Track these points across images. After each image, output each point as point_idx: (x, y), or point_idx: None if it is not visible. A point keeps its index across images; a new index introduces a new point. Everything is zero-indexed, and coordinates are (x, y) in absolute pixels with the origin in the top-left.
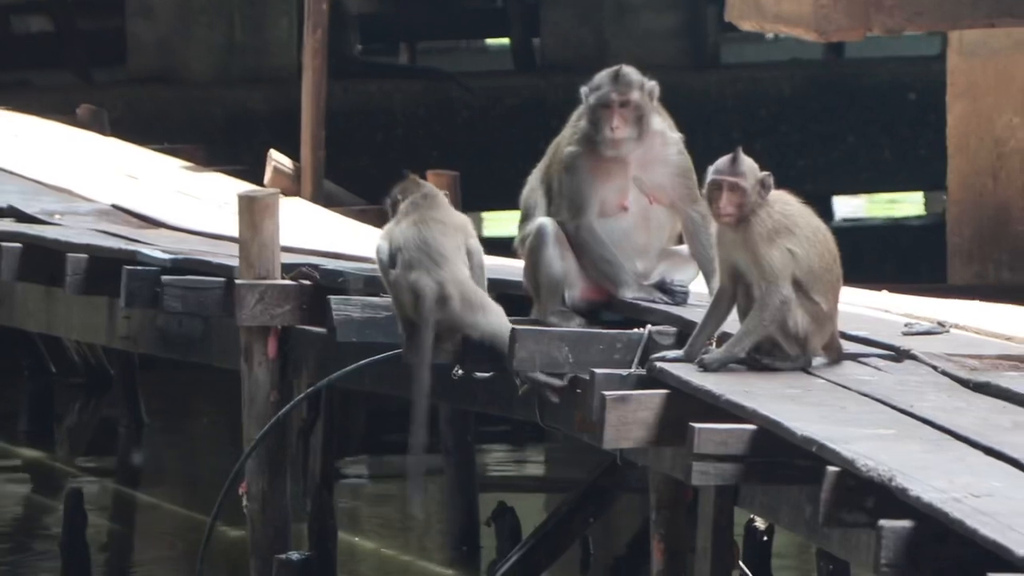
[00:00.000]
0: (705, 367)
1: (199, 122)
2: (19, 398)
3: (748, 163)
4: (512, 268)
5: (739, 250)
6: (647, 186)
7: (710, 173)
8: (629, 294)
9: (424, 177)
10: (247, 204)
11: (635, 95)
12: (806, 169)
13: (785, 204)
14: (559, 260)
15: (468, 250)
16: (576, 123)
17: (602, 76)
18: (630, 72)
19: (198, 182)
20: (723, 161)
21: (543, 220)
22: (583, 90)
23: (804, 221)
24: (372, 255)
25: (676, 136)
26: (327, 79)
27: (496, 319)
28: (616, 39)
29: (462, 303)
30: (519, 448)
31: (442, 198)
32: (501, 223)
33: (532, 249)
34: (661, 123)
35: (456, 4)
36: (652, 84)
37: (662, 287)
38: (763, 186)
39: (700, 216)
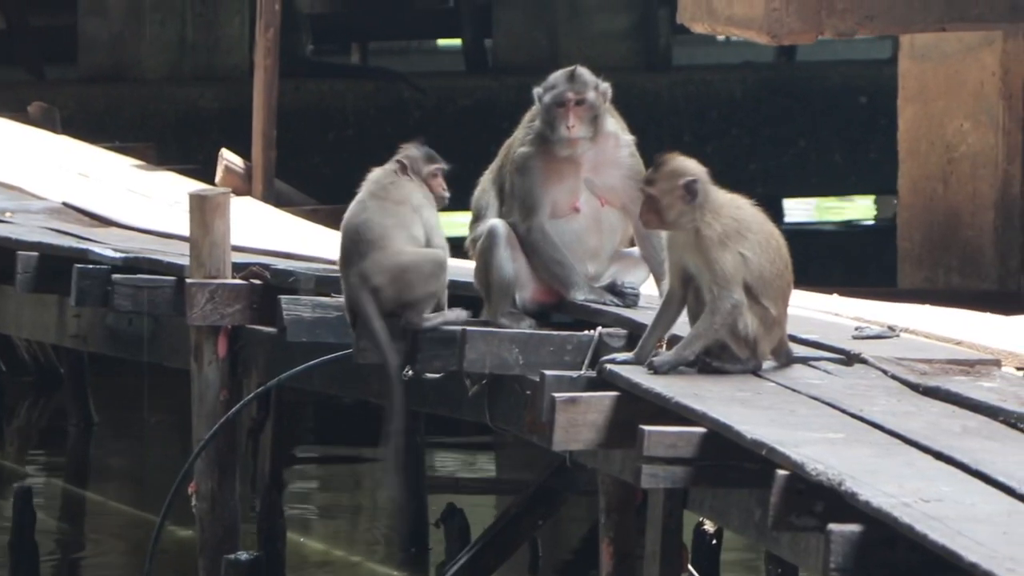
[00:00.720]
0: (655, 370)
1: (151, 120)
2: None
3: (668, 168)
4: (463, 269)
5: (690, 253)
6: (599, 188)
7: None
8: (580, 296)
9: None
10: (198, 203)
11: (590, 94)
12: (757, 172)
13: (737, 208)
14: (510, 262)
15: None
16: (529, 124)
17: (557, 76)
18: (584, 72)
19: (149, 181)
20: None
21: (494, 221)
22: (536, 91)
23: (757, 226)
24: (323, 254)
25: (629, 138)
26: (279, 78)
27: (439, 282)
28: (568, 40)
29: (395, 285)
30: (469, 449)
31: (399, 175)
32: (452, 224)
33: (483, 250)
34: (614, 125)
35: (408, 5)
36: (606, 85)
37: (613, 289)
38: (688, 191)
39: None
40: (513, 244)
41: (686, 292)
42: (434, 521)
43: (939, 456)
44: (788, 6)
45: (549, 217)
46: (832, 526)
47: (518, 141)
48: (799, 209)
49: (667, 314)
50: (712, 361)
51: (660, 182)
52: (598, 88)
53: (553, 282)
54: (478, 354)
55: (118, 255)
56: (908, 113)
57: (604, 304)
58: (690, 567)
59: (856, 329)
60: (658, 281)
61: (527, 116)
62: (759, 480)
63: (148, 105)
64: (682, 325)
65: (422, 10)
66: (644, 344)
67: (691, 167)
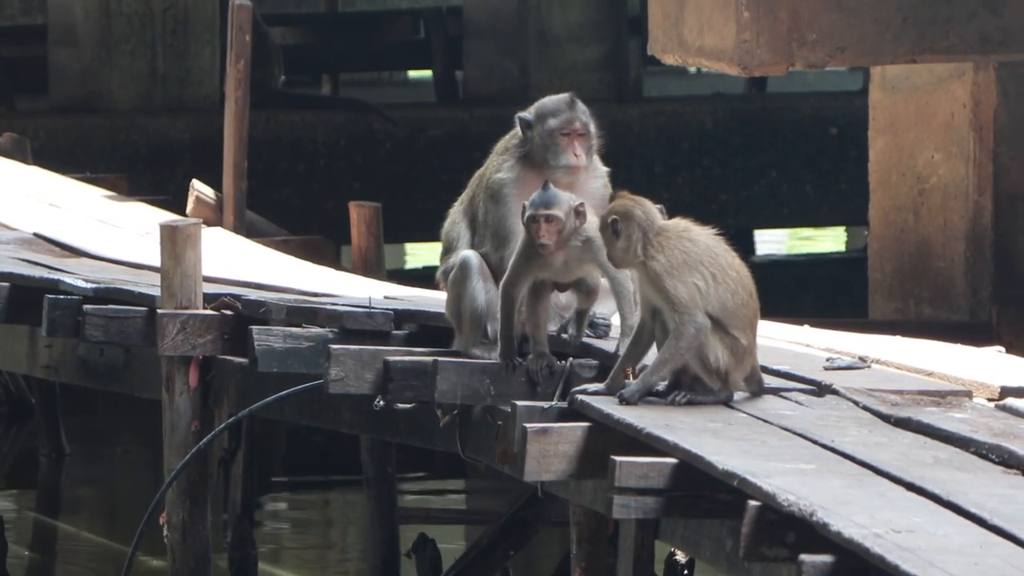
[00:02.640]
0: (624, 400)
1: (121, 151)
2: None
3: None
4: (434, 300)
5: (646, 287)
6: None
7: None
8: (551, 326)
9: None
10: (169, 234)
11: (592, 125)
12: (728, 203)
13: (688, 241)
14: (483, 293)
15: None
16: (503, 152)
17: (556, 102)
18: (581, 102)
19: (120, 211)
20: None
21: (467, 252)
22: (525, 116)
23: (710, 258)
24: (294, 285)
25: (604, 169)
26: (250, 109)
27: None
28: (539, 72)
29: None
30: (440, 480)
31: None
32: (423, 255)
33: (456, 281)
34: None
35: (379, 36)
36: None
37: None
38: (614, 231)
39: None
40: (485, 275)
41: (655, 323)
42: (406, 551)
43: (911, 487)
44: (759, 37)
45: None
46: (804, 557)
47: (492, 169)
48: (770, 241)
49: (638, 345)
50: (681, 395)
51: (601, 228)
52: (592, 117)
53: (525, 312)
54: (449, 385)
55: (89, 285)
56: (879, 144)
57: (566, 337)
58: None
59: (827, 360)
60: (626, 313)
61: (499, 145)
62: (731, 511)
63: (119, 136)
64: (654, 356)
65: (393, 41)
66: (615, 375)
67: (619, 207)
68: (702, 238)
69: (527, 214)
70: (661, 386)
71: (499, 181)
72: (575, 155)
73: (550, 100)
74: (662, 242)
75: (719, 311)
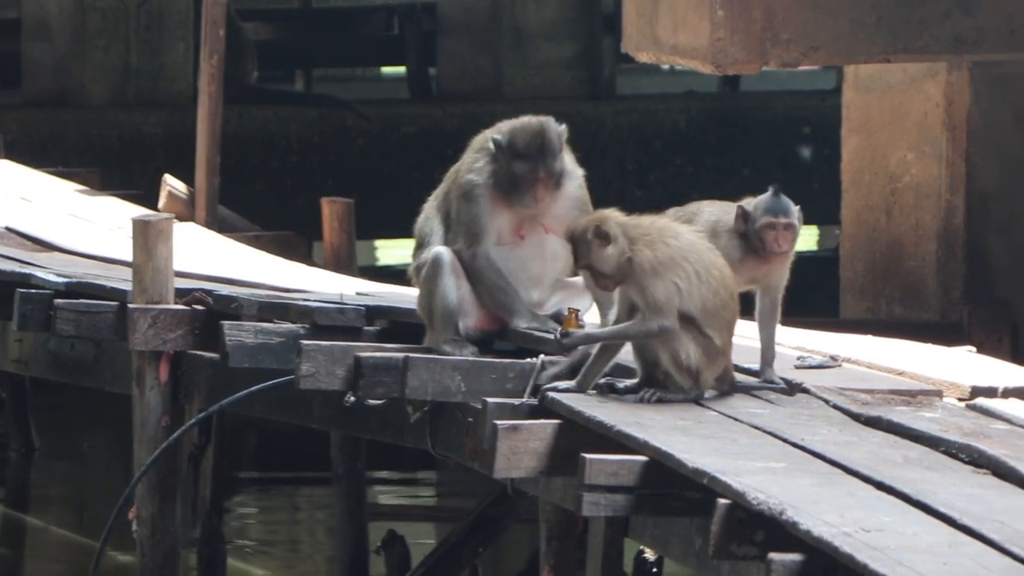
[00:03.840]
0: (561, 345)
1: (94, 146)
2: None
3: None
4: (406, 296)
5: (627, 282)
6: (544, 217)
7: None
8: (523, 323)
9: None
10: (141, 228)
11: (557, 164)
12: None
13: (673, 236)
14: (455, 290)
15: None
16: (477, 151)
17: (526, 143)
18: (552, 136)
19: (92, 206)
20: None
21: (440, 249)
22: (498, 139)
23: (695, 255)
24: (265, 281)
25: (579, 172)
26: (223, 105)
27: None
28: (512, 69)
29: None
30: (410, 476)
31: None
32: (395, 251)
33: (428, 278)
34: (566, 159)
35: (353, 32)
36: (563, 129)
37: (557, 318)
38: (599, 237)
39: None
40: (458, 272)
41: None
42: (375, 548)
43: (880, 486)
44: (733, 36)
45: (494, 244)
46: (773, 555)
47: (465, 168)
48: None
49: (612, 344)
50: (651, 393)
51: (581, 253)
52: (560, 138)
53: (497, 309)
54: (420, 381)
55: (61, 280)
56: (851, 144)
57: (547, 332)
58: None
59: (798, 359)
60: (602, 311)
61: (475, 142)
62: (700, 509)
63: (92, 130)
64: (626, 354)
65: (367, 38)
66: (587, 372)
67: (594, 217)
68: (685, 235)
69: (764, 220)
70: (631, 382)
71: (470, 182)
72: (535, 199)
73: (521, 134)
74: (647, 240)
75: (698, 310)
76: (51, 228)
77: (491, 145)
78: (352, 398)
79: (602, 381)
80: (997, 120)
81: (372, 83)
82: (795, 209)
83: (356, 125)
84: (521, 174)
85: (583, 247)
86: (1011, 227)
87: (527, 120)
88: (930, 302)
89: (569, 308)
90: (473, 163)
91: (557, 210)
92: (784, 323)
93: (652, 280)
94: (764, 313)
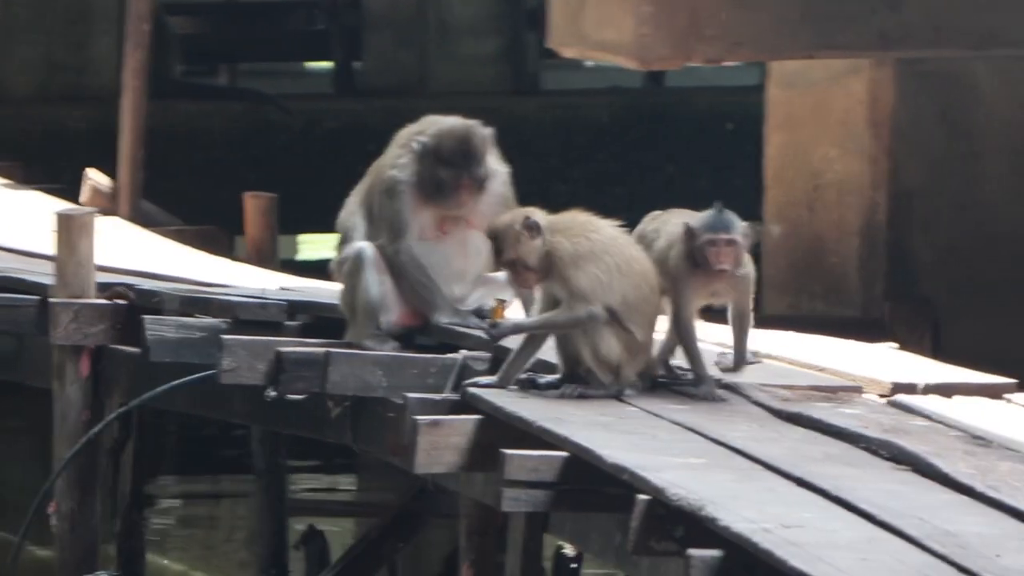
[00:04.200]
0: (490, 336)
1: (17, 139)
2: None
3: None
4: (328, 291)
5: (550, 278)
6: (468, 214)
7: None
8: (445, 318)
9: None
10: (64, 222)
11: (483, 170)
12: (624, 197)
13: (592, 231)
14: (377, 285)
15: None
16: (404, 144)
17: (452, 147)
18: (478, 143)
19: (14, 200)
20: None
21: (362, 244)
22: (424, 140)
23: (616, 249)
24: (188, 275)
25: (503, 169)
26: (147, 99)
27: None
28: (437, 64)
29: None
30: (330, 472)
31: None
32: (318, 246)
33: (350, 273)
34: (489, 159)
35: (277, 26)
36: (489, 132)
37: (479, 313)
38: (529, 228)
39: None
40: (380, 267)
41: None
42: (294, 543)
43: (800, 482)
44: (657, 32)
45: (417, 239)
46: (692, 551)
47: (388, 163)
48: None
49: (534, 339)
50: (572, 389)
51: (507, 247)
52: (485, 142)
53: (419, 304)
54: (341, 376)
55: None
56: (775, 140)
57: (469, 327)
58: None
59: (719, 355)
60: (525, 307)
61: (399, 137)
62: (620, 505)
63: (14, 124)
64: (548, 351)
65: (291, 32)
66: (508, 368)
67: (517, 212)
68: (606, 229)
69: (705, 237)
70: (553, 378)
71: (394, 178)
72: (459, 204)
73: (447, 139)
74: (567, 231)
75: (619, 304)
76: None
77: (416, 146)
78: (273, 393)
79: (523, 376)
80: (921, 117)
81: (296, 78)
82: (740, 225)
83: (280, 120)
84: (446, 179)
85: (509, 240)
86: (933, 224)
87: (453, 124)
88: (852, 298)
89: (496, 299)
90: (396, 159)
91: (481, 207)
92: (706, 319)
93: (573, 271)
94: (732, 319)
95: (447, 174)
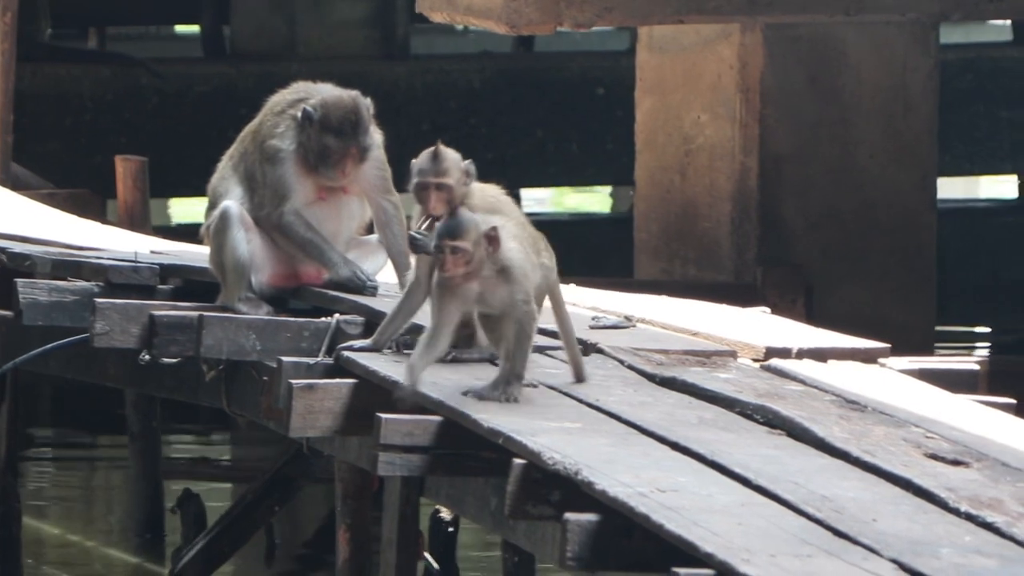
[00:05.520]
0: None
1: None
2: None
3: (451, 157)
4: (199, 255)
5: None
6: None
7: (415, 174)
8: (343, 271)
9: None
10: None
11: (368, 139)
12: (495, 162)
13: (491, 195)
14: (244, 243)
15: None
16: (281, 113)
17: (340, 117)
18: (364, 113)
19: None
20: (425, 159)
21: (227, 203)
22: (308, 110)
23: (510, 209)
24: (59, 238)
25: (378, 136)
26: (16, 63)
27: None
28: (307, 28)
29: None
30: (205, 435)
31: None
32: (189, 210)
33: (217, 232)
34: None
35: None
36: (369, 103)
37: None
38: (467, 175)
39: (392, 206)
40: (247, 225)
41: (431, 282)
42: (170, 507)
43: (675, 446)
44: None
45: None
46: (568, 515)
47: (267, 131)
48: (536, 199)
49: (409, 303)
50: (450, 352)
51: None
52: (369, 112)
53: (311, 261)
54: (215, 340)
55: None
56: (645, 105)
57: (361, 279)
58: (427, 554)
59: (593, 319)
60: (398, 269)
61: (275, 101)
62: (496, 469)
63: None
64: (422, 315)
65: None
66: (382, 331)
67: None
68: (499, 193)
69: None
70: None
71: (276, 147)
72: (343, 173)
73: (335, 110)
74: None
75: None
76: None
77: (299, 115)
78: (147, 356)
79: (398, 339)
80: (790, 82)
81: (166, 41)
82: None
83: (150, 83)
84: (333, 148)
85: (454, 174)
86: (805, 189)
87: (339, 96)
88: (724, 263)
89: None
90: (275, 127)
91: (359, 175)
92: (579, 283)
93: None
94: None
95: (334, 143)
